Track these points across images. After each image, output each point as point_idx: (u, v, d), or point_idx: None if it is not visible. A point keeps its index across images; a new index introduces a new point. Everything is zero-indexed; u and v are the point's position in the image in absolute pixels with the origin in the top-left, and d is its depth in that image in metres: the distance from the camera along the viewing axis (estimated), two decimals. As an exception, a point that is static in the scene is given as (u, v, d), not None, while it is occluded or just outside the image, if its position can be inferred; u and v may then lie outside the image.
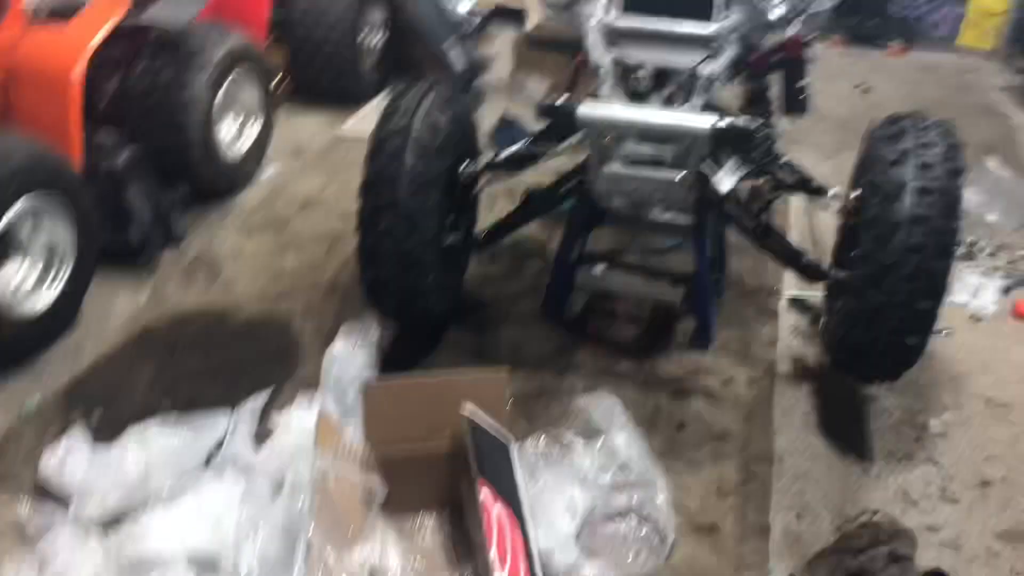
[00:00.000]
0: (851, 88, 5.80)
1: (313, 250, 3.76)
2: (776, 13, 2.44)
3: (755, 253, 3.85)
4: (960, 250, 3.52)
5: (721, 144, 2.50)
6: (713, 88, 2.56)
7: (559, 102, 2.43)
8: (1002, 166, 4.63)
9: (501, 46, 5.76)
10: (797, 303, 3.50)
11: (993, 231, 4.13)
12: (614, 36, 2.65)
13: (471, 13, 5.45)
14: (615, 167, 2.65)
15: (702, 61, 2.53)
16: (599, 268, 3.34)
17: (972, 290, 3.62)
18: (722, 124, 2.32)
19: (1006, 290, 3.67)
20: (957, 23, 6.74)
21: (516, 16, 5.48)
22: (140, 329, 3.25)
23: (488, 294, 3.51)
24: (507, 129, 4.44)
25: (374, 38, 5.25)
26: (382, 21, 5.25)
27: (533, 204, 3.13)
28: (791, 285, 3.66)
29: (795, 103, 3.31)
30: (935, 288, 2.48)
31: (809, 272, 2.97)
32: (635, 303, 3.45)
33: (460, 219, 3.12)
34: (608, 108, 2.53)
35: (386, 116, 2.76)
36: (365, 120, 4.85)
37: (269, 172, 4.36)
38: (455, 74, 4.99)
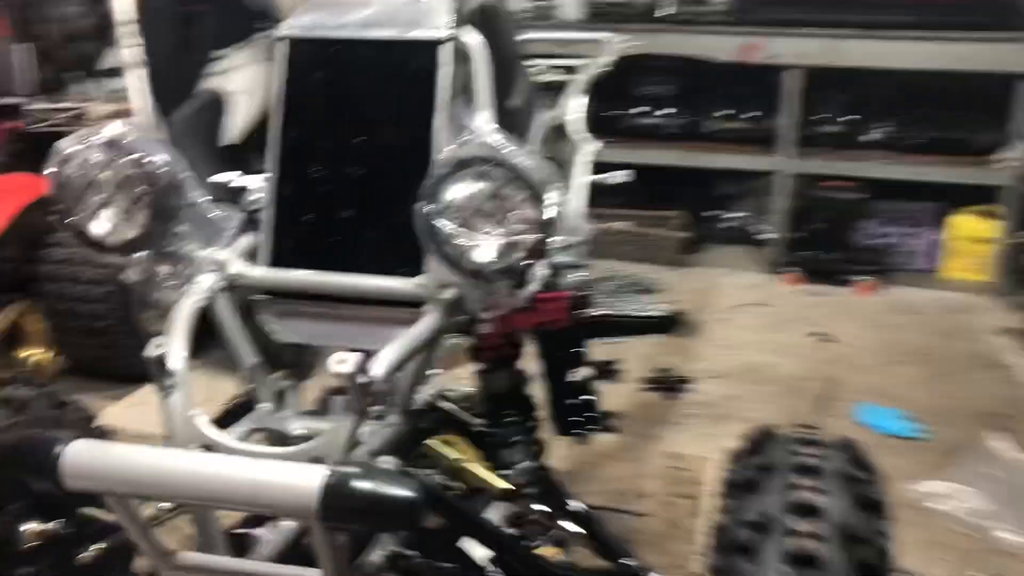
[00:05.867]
0: (804, 337, 4.52)
1: None
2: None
3: None
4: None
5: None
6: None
7: None
8: (1013, 446, 3.22)
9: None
10: None
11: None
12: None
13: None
14: None
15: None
16: None
17: None
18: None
19: None
20: (937, 252, 5.55)
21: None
22: None
23: None
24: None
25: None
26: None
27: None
28: None
29: (571, 419, 1.68)
30: None
31: None
32: None
33: None
34: None
35: None
36: (137, 407, 3.58)
37: None
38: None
